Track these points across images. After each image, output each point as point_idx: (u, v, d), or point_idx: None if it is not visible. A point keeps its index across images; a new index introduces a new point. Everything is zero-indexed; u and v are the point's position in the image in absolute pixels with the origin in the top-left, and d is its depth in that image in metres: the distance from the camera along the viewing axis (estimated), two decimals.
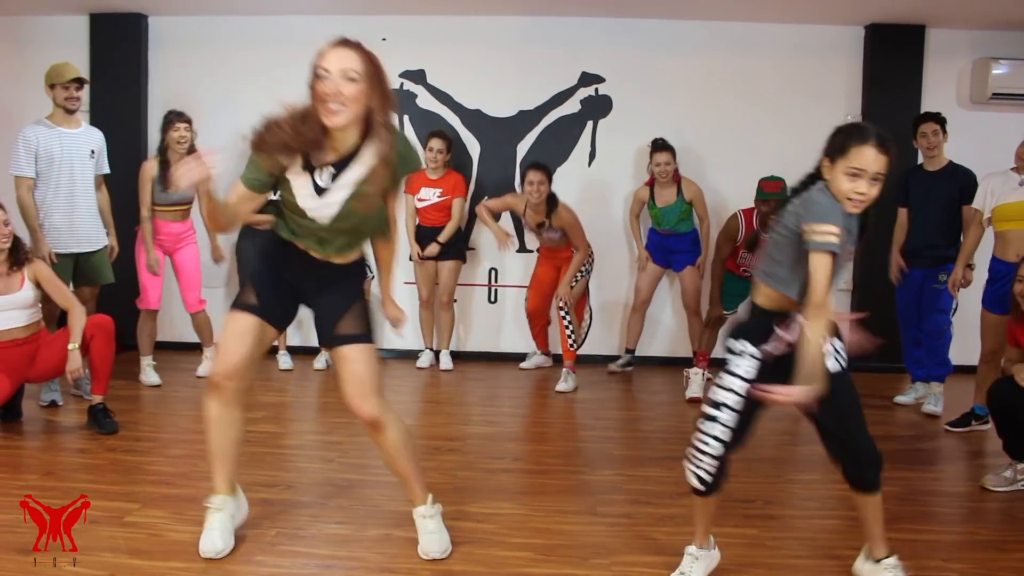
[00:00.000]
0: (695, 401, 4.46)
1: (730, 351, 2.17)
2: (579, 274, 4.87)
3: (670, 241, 5.02)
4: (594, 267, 5.04)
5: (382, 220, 2.37)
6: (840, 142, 2.04)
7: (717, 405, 2.14)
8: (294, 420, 4.15)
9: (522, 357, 5.39)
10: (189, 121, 4.47)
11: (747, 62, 5.36)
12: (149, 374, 4.54)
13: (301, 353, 5.25)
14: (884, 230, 4.36)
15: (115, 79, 5.35)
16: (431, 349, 5.34)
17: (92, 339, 3.56)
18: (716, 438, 2.13)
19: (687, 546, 2.31)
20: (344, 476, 3.14)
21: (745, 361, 2.13)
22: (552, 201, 4.77)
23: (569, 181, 5.35)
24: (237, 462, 2.44)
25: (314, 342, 4.83)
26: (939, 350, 4.30)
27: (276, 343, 4.96)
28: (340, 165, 2.17)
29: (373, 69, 2.06)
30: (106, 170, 4.27)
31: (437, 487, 2.60)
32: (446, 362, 5.25)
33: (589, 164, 5.50)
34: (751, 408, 2.13)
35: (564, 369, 4.77)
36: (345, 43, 2.06)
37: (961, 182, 4.21)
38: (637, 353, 5.26)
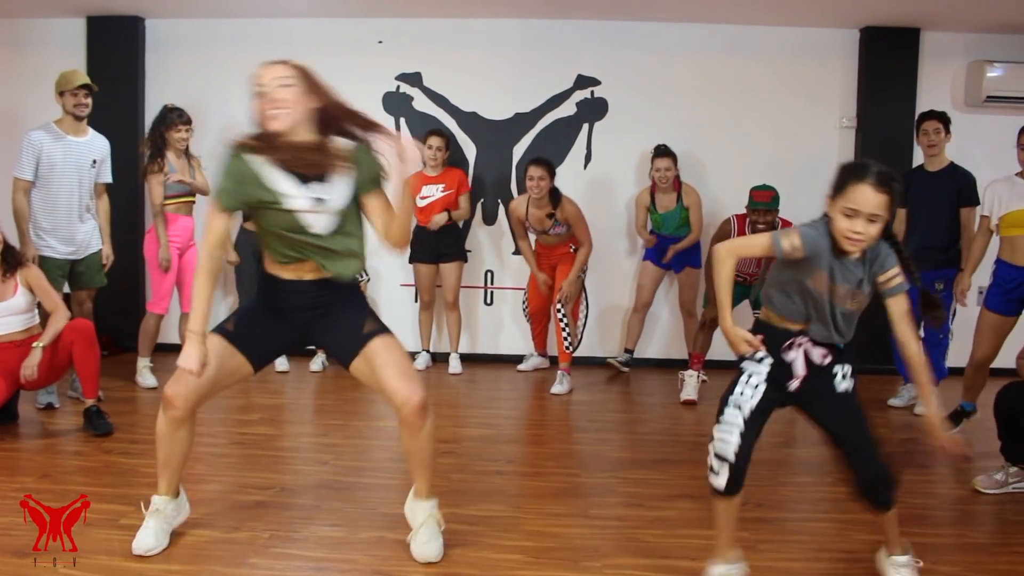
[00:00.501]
0: (689, 403, 4.48)
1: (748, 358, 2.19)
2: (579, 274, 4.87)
3: (671, 243, 5.02)
4: (590, 268, 5.03)
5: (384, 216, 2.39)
6: (840, 180, 2.04)
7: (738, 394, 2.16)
8: (289, 422, 4.16)
9: (519, 359, 5.40)
10: (190, 122, 4.50)
11: (742, 65, 5.38)
12: (145, 376, 4.55)
13: (297, 355, 5.25)
14: None
15: (112, 81, 5.31)
16: (428, 351, 5.35)
17: (72, 345, 3.57)
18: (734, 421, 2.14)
19: (711, 567, 2.25)
20: (338, 479, 3.15)
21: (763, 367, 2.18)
22: (556, 195, 4.76)
23: (565, 184, 5.31)
24: (184, 468, 2.49)
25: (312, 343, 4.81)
26: (933, 355, 4.30)
27: None
28: (321, 173, 2.29)
29: (303, 73, 2.27)
30: (108, 179, 4.28)
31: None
32: (455, 366, 5.21)
33: (585, 167, 5.52)
34: (765, 406, 2.15)
35: (559, 372, 4.77)
36: (273, 61, 2.27)
37: (960, 183, 4.22)
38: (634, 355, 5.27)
